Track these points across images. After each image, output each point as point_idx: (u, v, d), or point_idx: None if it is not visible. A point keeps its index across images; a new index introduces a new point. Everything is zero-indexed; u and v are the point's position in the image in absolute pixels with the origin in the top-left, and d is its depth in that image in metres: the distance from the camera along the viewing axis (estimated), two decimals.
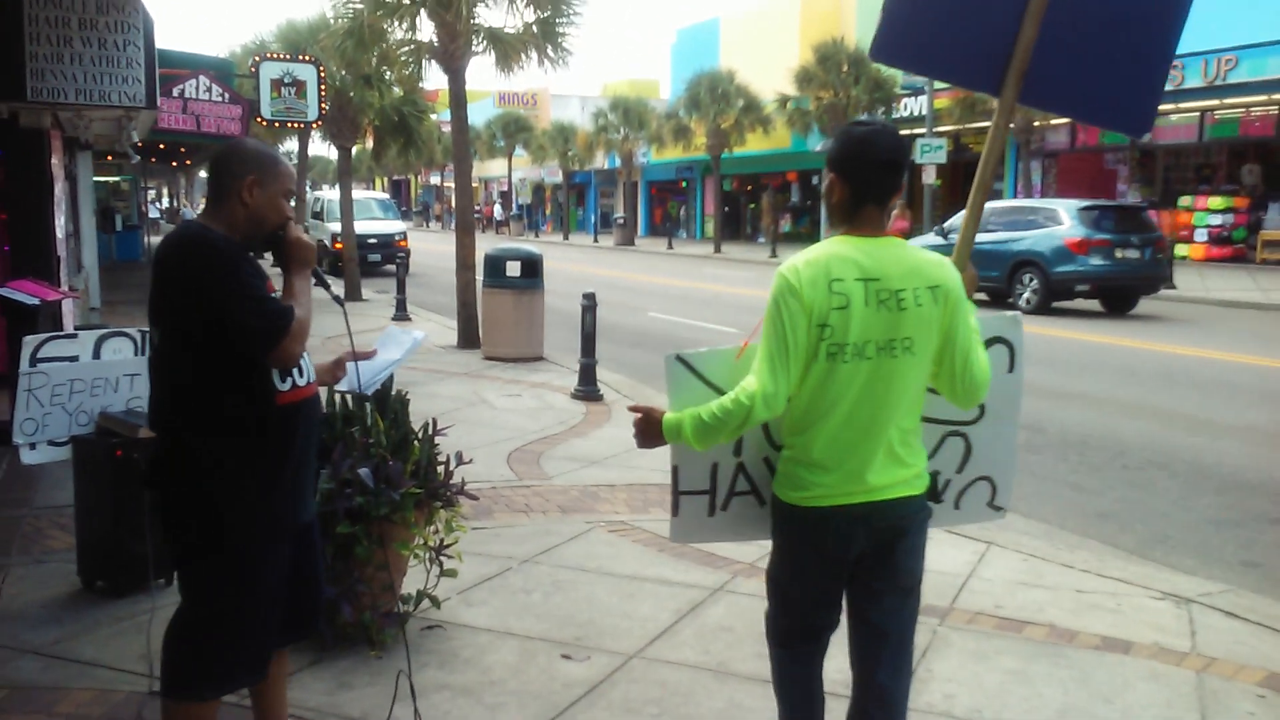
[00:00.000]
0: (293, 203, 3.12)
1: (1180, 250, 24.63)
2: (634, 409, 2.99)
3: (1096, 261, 17.18)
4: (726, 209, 42.51)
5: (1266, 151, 26.21)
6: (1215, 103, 24.76)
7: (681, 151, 37.43)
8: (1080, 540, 6.19)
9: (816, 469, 2.75)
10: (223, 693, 3.02)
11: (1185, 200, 26.90)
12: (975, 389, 2.83)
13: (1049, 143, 29.13)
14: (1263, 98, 23.74)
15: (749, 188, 44.99)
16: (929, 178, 27.45)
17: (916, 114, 30.59)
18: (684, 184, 48.02)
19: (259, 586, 2.94)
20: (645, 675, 4.13)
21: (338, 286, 14.01)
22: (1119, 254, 17.25)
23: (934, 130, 27.41)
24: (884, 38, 3.40)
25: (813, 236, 38.81)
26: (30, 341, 4.70)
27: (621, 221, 43.65)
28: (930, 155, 26.83)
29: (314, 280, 3.08)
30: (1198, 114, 25.73)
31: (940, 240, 18.39)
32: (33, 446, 4.70)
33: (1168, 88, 21.27)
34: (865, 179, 2.74)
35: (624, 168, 44.34)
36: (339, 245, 21.08)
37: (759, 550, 5.57)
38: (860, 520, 2.77)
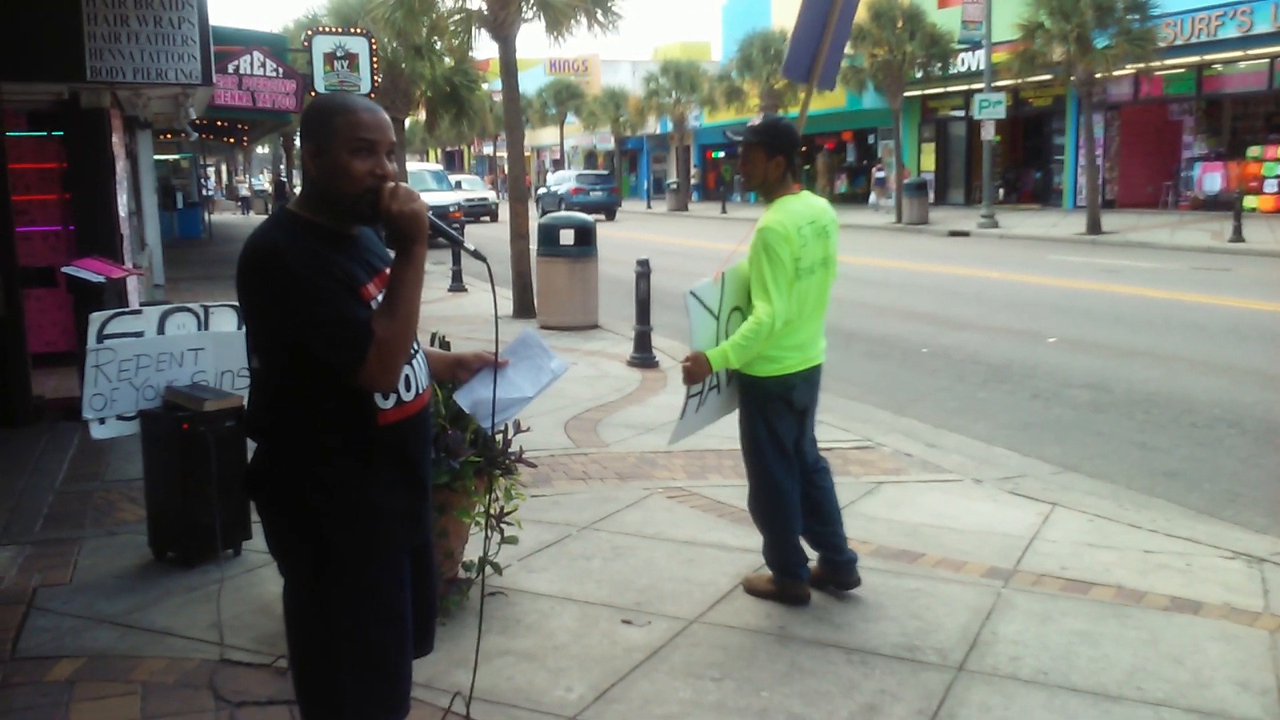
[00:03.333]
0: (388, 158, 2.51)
1: (1249, 202, 23.97)
2: (687, 359, 4.16)
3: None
4: None
5: None
6: None
7: (734, 114, 37.05)
8: (1147, 500, 6.08)
9: (792, 350, 4.23)
10: None
11: (1254, 151, 26.13)
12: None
13: (1111, 95, 28.39)
14: None
15: (804, 148, 44.41)
16: (988, 133, 26.90)
17: (975, 69, 29.98)
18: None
19: (382, 613, 2.58)
20: (706, 639, 4.14)
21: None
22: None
23: (992, 85, 26.83)
24: (788, 59, 5.50)
25: (867, 196, 38.34)
26: (97, 318, 4.79)
27: (674, 186, 43.44)
28: (989, 110, 26.28)
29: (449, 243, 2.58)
30: (1267, 60, 24.91)
31: None
32: (102, 421, 4.81)
33: (1234, 33, 20.76)
34: (794, 156, 4.29)
35: (676, 132, 44.07)
36: None
37: None
38: (811, 378, 4.37)
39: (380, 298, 2.44)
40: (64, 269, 7.63)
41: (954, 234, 26.25)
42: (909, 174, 35.80)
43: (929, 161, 36.71)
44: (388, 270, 2.47)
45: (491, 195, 39.11)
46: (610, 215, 37.77)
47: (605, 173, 45.17)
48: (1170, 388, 8.73)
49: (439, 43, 17.53)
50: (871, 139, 39.84)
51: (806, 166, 43.65)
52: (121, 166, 10.67)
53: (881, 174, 36.28)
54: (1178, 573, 4.75)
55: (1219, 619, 4.25)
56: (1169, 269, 17.24)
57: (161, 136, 21.98)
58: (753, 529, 5.27)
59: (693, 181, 49.13)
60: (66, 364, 8.72)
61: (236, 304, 4.27)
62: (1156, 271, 16.89)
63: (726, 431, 4.93)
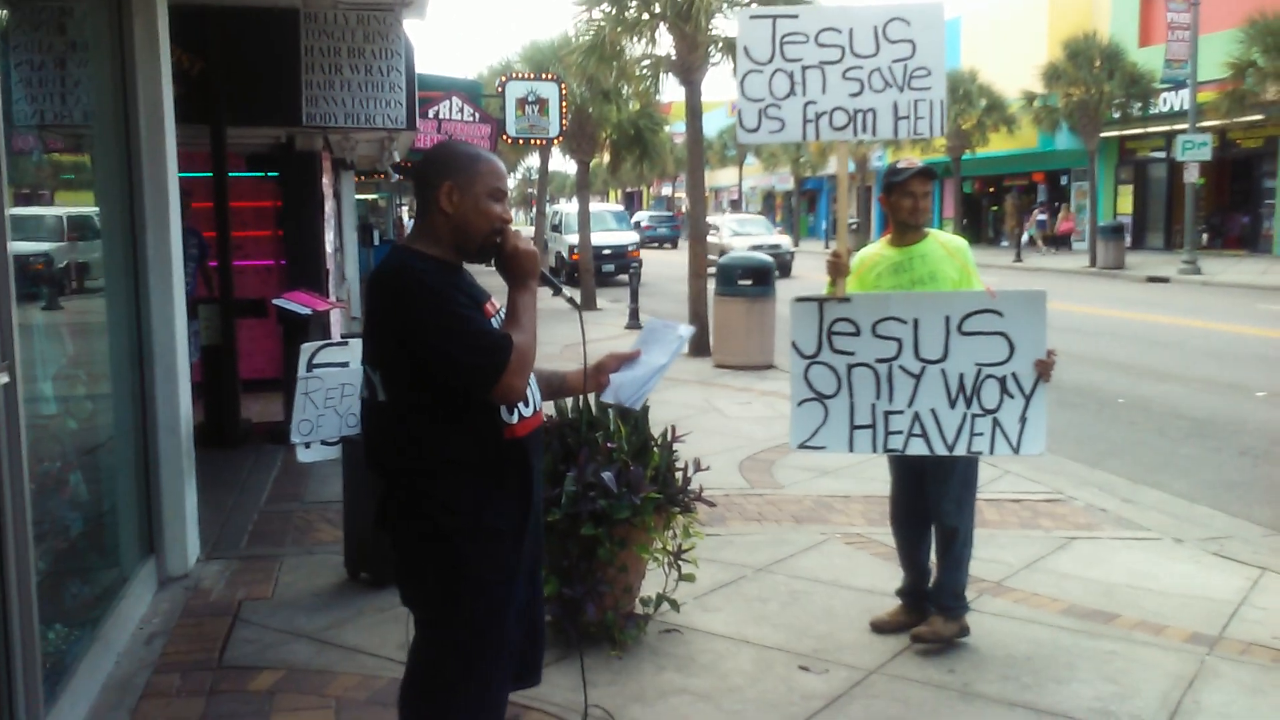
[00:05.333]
0: (513, 209, 2.82)
1: None
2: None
3: None
4: (967, 212, 41.05)
5: None
6: None
7: (919, 154, 36.45)
8: None
9: None
10: None
11: None
12: None
13: None
14: None
15: (991, 189, 43.32)
16: (1191, 176, 25.52)
17: (1178, 108, 28.59)
18: None
19: (501, 636, 2.72)
20: (886, 691, 4.04)
21: (569, 292, 14.36)
22: None
23: (1196, 125, 25.49)
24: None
25: (1063, 240, 36.97)
26: (308, 348, 5.09)
27: (854, 226, 42.94)
28: (1193, 152, 24.96)
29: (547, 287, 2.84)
30: None
31: None
32: (307, 446, 5.10)
33: None
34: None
35: (858, 172, 43.64)
36: (576, 256, 21.82)
37: (1003, 570, 5.36)
38: None
39: (495, 320, 2.70)
40: (274, 301, 8.13)
41: (1152, 280, 24.96)
42: (1071, 221, 34.57)
43: (1125, 204, 35.10)
44: (488, 302, 2.74)
45: (786, 242, 30.93)
46: (673, 244, 45.84)
47: (669, 214, 54.64)
48: None
49: (626, 87, 17.94)
50: (1064, 180, 38.43)
51: (994, 208, 42.50)
52: (330, 206, 11.33)
53: (1043, 217, 35.07)
54: None
55: None
56: None
57: (361, 178, 23.23)
58: None
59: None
60: (271, 390, 9.28)
61: None
62: None
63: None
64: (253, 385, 9.42)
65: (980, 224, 43.42)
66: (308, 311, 7.84)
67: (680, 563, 4.49)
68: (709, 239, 21.95)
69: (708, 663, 4.30)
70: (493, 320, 2.69)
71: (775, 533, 6.03)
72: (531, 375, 2.76)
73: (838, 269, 4.34)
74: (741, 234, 29.92)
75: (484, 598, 2.66)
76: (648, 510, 4.30)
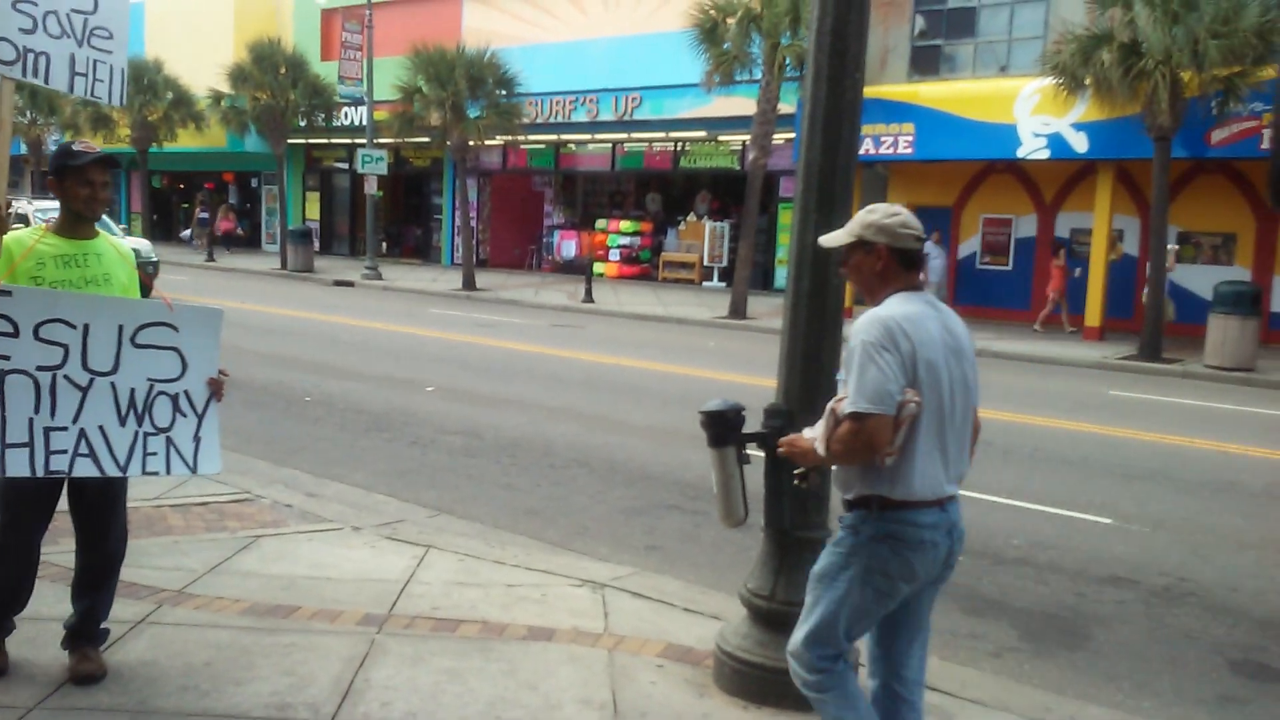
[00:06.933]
0: None
1: (598, 268, 27.14)
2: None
3: None
4: (156, 207, 39.32)
5: (666, 182, 29.80)
6: (624, 136, 27.65)
7: (102, 142, 33.96)
8: (512, 537, 6.58)
9: None
10: None
11: (601, 223, 29.73)
12: None
13: (483, 162, 30.64)
14: (661, 135, 26.95)
15: (182, 186, 42.11)
16: (370, 188, 27.62)
17: (359, 124, 30.60)
18: None
19: None
20: None
21: None
22: None
23: (375, 141, 27.60)
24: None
25: (252, 240, 37.32)
26: None
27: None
28: (371, 166, 27.06)
29: None
30: (609, 145, 28.55)
31: None
32: None
33: (584, 118, 23.05)
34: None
35: (31, 155, 39.34)
36: None
37: (186, 577, 5.23)
38: None
39: None
40: None
41: (339, 283, 26.44)
42: (231, 221, 35.92)
43: (314, 210, 36.65)
44: None
45: (145, 247, 20.50)
46: None
47: None
48: (533, 433, 9.56)
49: None
50: (255, 182, 38.85)
51: (185, 205, 41.38)
52: None
53: (204, 214, 35.64)
54: (535, 603, 5.19)
55: (568, 643, 4.71)
56: (534, 325, 18.92)
57: None
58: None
59: None
60: None
61: None
62: (523, 327, 18.44)
63: None
64: None
65: (171, 220, 41.99)
66: None
67: None
68: None
69: None
70: None
71: None
72: None
73: None
74: None
75: None
76: None
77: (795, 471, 3.44)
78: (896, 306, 3.12)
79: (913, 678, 3.36)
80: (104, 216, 21.51)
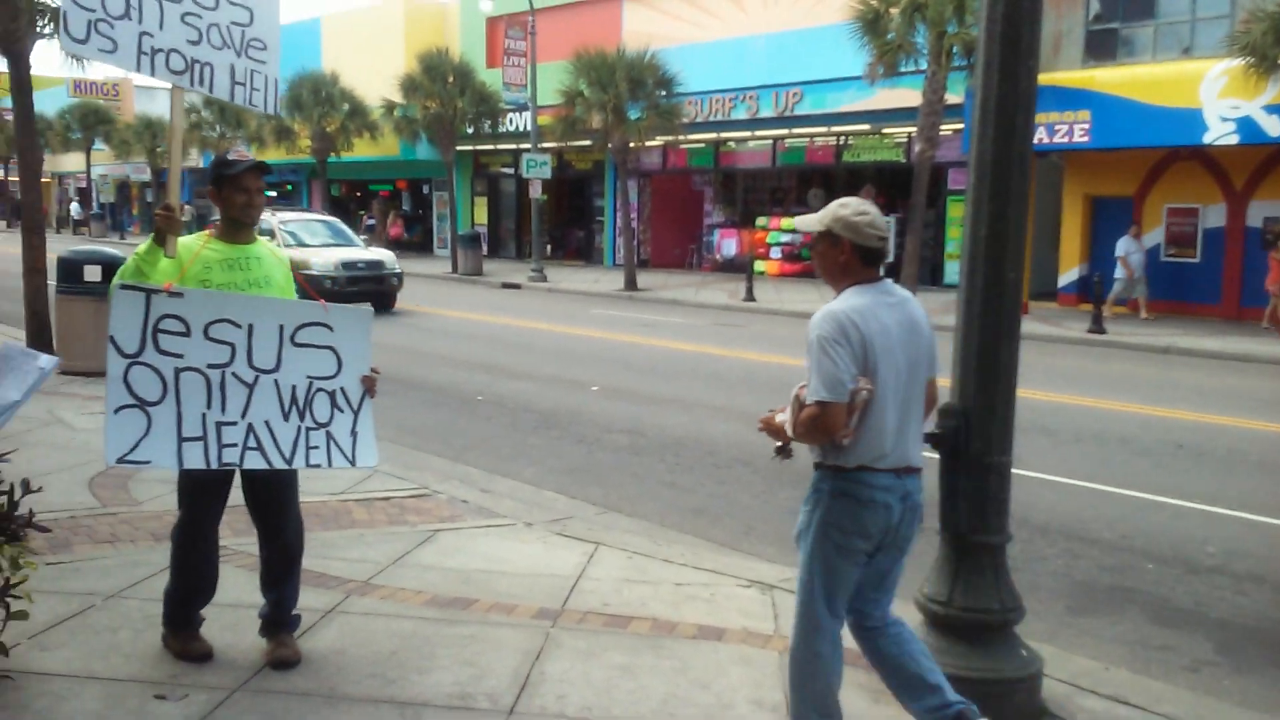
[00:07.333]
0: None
1: (759, 266, 26.99)
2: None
3: None
4: (335, 214, 41.15)
5: (828, 177, 29.41)
6: (785, 132, 27.42)
7: (285, 153, 35.84)
8: (678, 536, 6.61)
9: None
10: None
11: (762, 220, 29.55)
12: None
13: (643, 163, 30.87)
14: (823, 129, 26.60)
15: (358, 194, 43.96)
16: (535, 192, 28.18)
17: (523, 129, 31.28)
18: (289, 186, 46.05)
19: None
20: (252, 707, 3.90)
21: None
22: None
23: (538, 146, 28.17)
24: None
25: (424, 245, 38.64)
26: None
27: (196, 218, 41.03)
28: (536, 170, 27.55)
29: None
30: (770, 141, 28.35)
31: None
32: None
33: (744, 116, 22.91)
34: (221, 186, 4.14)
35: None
36: None
37: (371, 569, 5.46)
38: None
39: None
40: None
41: (507, 286, 27.12)
42: (400, 226, 36.74)
43: (481, 215, 37.71)
44: None
45: (389, 258, 20.60)
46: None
47: None
48: (696, 432, 9.59)
49: None
50: (426, 189, 40.22)
51: (361, 212, 43.18)
52: None
53: (371, 221, 36.79)
54: (704, 603, 5.20)
55: (738, 644, 4.71)
56: (695, 324, 18.97)
57: None
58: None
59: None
60: None
61: None
62: (684, 326, 18.51)
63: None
64: None
65: (350, 226, 43.82)
66: None
67: (9, 599, 3.94)
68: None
69: (42, 709, 3.82)
70: None
71: (131, 554, 5.55)
72: None
73: (170, 222, 3.97)
74: (310, 244, 20.14)
75: None
76: None
77: (775, 445, 3.71)
78: (849, 300, 3.39)
79: (879, 614, 3.68)
80: (348, 230, 21.64)
